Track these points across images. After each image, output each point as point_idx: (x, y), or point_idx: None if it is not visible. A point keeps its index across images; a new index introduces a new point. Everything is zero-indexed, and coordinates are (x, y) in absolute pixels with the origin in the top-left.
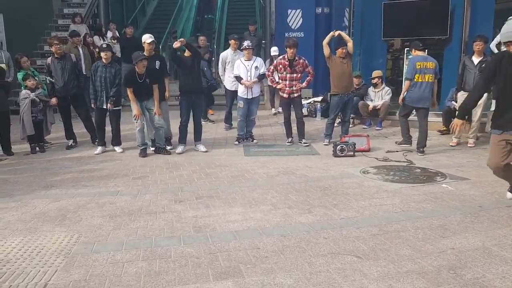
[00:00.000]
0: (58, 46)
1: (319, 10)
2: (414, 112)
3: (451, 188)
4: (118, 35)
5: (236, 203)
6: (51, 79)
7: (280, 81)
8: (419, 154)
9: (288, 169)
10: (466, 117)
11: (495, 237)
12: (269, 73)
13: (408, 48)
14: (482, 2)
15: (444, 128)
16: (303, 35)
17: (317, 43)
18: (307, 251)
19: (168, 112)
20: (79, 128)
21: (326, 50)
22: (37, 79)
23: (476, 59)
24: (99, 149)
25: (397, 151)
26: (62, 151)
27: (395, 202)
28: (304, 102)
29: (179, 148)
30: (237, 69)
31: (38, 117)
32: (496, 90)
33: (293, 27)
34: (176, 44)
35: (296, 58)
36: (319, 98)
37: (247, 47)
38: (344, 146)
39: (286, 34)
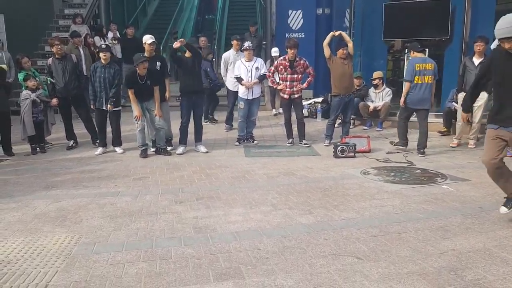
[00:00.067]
0: (59, 47)
1: (319, 11)
2: (414, 113)
3: (452, 189)
4: (119, 35)
5: (237, 204)
6: (52, 80)
7: (281, 82)
8: (419, 155)
9: (288, 170)
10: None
11: (496, 238)
12: (270, 74)
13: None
14: (482, 2)
15: (445, 129)
16: (303, 36)
17: (317, 44)
18: (308, 252)
19: (168, 112)
20: (79, 128)
21: (327, 51)
22: (38, 79)
23: (477, 60)
24: (100, 149)
25: (397, 152)
26: (62, 151)
27: (395, 203)
28: (304, 103)
29: (180, 149)
30: (238, 69)
31: (38, 118)
32: (493, 87)
33: (293, 27)
34: (176, 45)
35: (297, 59)
36: (320, 99)
37: (247, 47)
38: (345, 147)
39: (286, 35)
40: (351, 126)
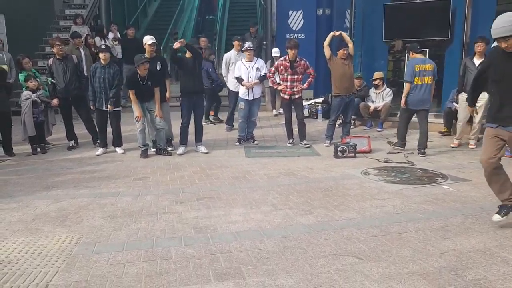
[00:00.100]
0: (60, 47)
1: (320, 11)
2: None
3: (452, 189)
4: (119, 36)
5: (237, 204)
6: (52, 80)
7: (281, 82)
8: (420, 155)
9: (289, 170)
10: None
11: (496, 238)
12: (270, 74)
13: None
14: (483, 3)
15: (445, 130)
16: (304, 36)
17: (318, 45)
18: (308, 252)
19: (169, 113)
20: (80, 129)
21: (327, 52)
22: (38, 80)
23: (477, 61)
24: (100, 150)
25: (398, 152)
26: (63, 152)
27: (396, 203)
28: (305, 103)
29: (180, 149)
30: (238, 70)
31: (39, 118)
32: (492, 86)
33: (294, 28)
34: (176, 45)
35: (297, 59)
36: (320, 100)
37: (248, 48)
38: (345, 147)
39: (287, 35)
40: (351, 127)
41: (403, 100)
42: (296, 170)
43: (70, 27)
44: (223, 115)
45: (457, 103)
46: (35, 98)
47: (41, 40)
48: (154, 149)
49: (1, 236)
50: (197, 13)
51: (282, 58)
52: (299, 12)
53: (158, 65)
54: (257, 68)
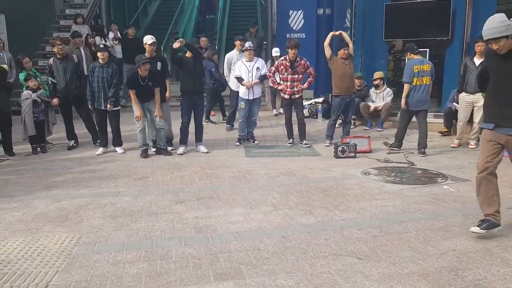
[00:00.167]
0: (61, 47)
1: (320, 11)
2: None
3: (452, 189)
4: (120, 36)
5: (237, 204)
6: (52, 80)
7: (282, 82)
8: (420, 155)
9: (289, 170)
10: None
11: (496, 238)
12: (271, 74)
13: None
14: (483, 3)
15: (445, 129)
16: (304, 36)
17: (318, 44)
18: (308, 252)
19: (169, 113)
20: (80, 128)
21: (328, 52)
22: (38, 79)
23: (478, 60)
24: (101, 149)
25: (398, 152)
26: (63, 151)
27: (396, 204)
28: (305, 103)
29: (180, 149)
30: (239, 70)
31: (39, 118)
32: (489, 86)
33: (294, 28)
34: (176, 45)
35: (298, 59)
36: (321, 99)
37: (248, 48)
38: (345, 147)
39: (287, 35)
40: (351, 126)
41: (403, 100)
42: (296, 170)
43: (71, 27)
44: (217, 116)
45: (457, 103)
46: (35, 98)
47: (41, 39)
48: (154, 149)
49: (1, 236)
50: (198, 12)
51: (282, 58)
52: (300, 11)
53: (159, 64)
54: (257, 68)
